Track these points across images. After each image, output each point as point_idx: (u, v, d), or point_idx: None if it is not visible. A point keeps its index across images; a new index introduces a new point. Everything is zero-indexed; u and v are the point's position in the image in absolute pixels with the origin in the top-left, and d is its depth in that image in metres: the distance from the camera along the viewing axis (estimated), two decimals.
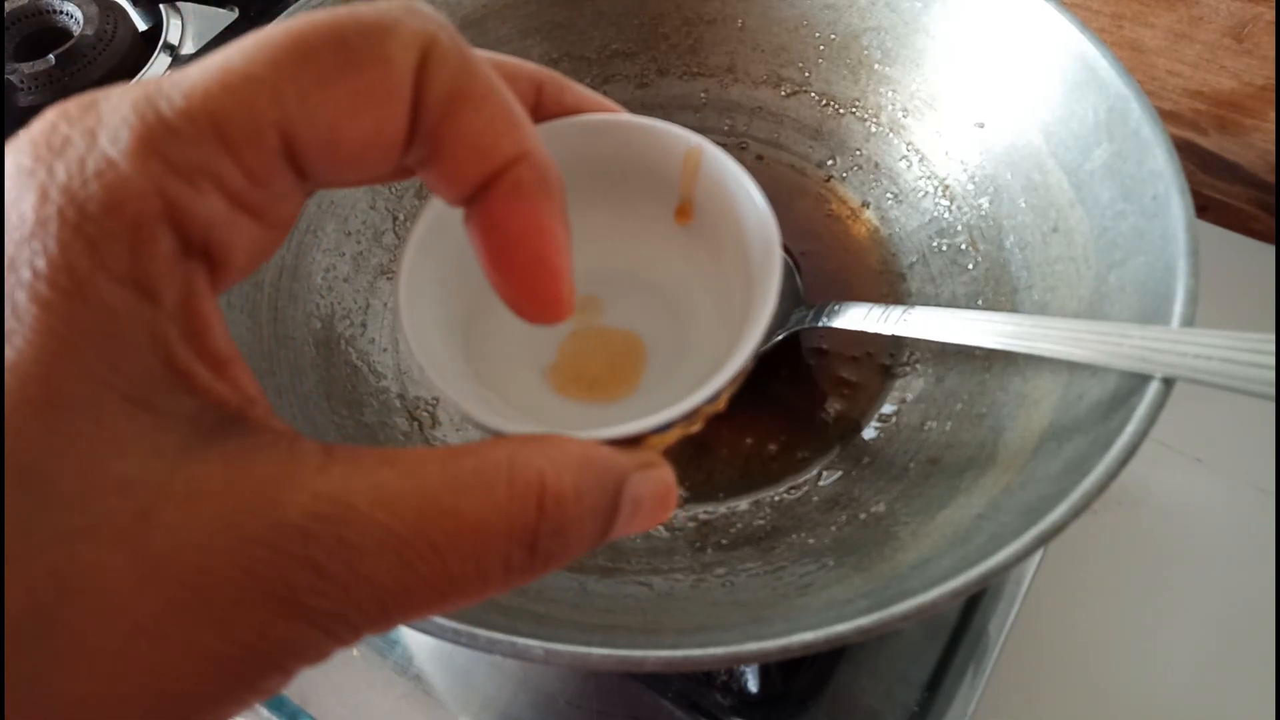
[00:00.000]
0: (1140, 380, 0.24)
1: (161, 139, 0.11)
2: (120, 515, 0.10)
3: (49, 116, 0.12)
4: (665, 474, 0.15)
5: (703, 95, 0.43)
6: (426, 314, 0.18)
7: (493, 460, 0.13)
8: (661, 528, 0.33)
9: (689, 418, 0.17)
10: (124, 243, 0.11)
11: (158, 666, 0.10)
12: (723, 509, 0.33)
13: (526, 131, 0.15)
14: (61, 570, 0.10)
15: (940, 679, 0.33)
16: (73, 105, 0.12)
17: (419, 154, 0.14)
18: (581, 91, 0.19)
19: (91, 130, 0.11)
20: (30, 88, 0.47)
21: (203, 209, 0.12)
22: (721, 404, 0.18)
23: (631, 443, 0.16)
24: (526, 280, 0.16)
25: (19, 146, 0.12)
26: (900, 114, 0.39)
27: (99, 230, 0.11)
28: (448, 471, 0.13)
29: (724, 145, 0.44)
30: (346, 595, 0.11)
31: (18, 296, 0.11)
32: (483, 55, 0.15)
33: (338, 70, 0.12)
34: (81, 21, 0.50)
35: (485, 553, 0.13)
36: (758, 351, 0.17)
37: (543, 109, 0.18)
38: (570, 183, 0.16)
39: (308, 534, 0.11)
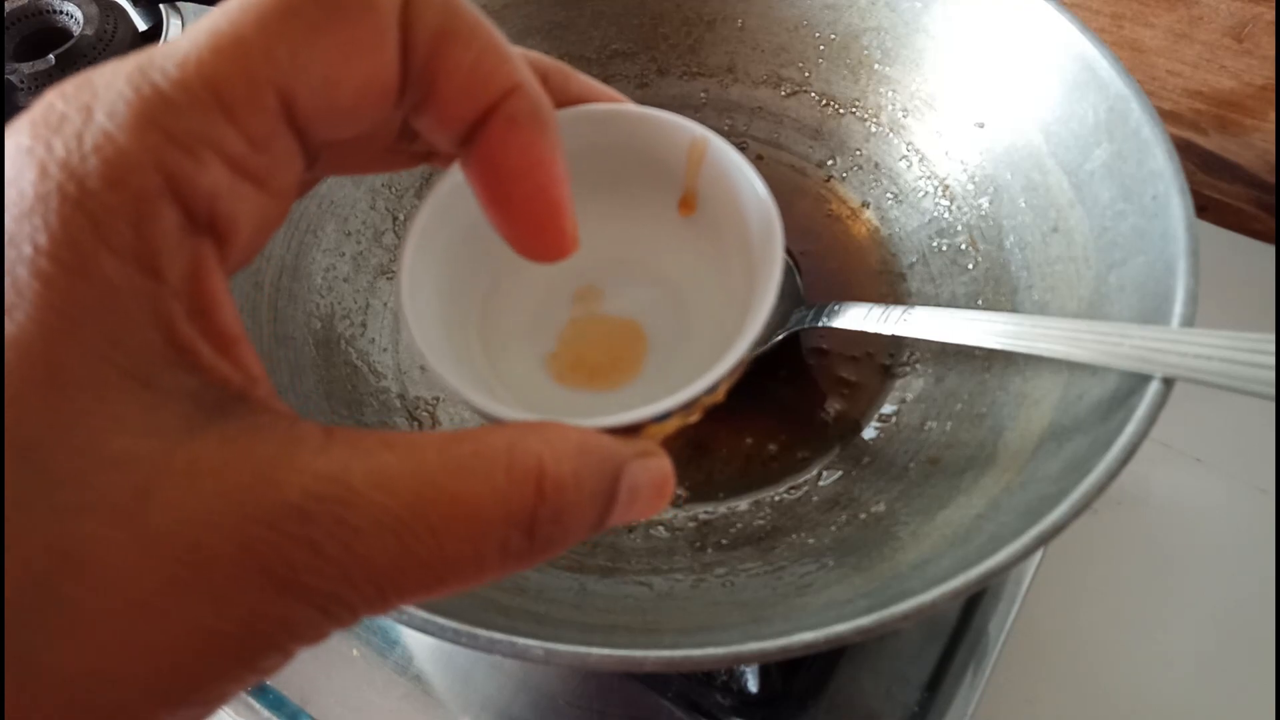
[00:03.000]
0: (1140, 380, 0.24)
1: (158, 110, 0.11)
2: (120, 492, 0.10)
3: (47, 97, 0.12)
4: (663, 463, 0.15)
5: (703, 95, 0.43)
6: (428, 302, 0.18)
7: (492, 445, 0.13)
8: (661, 528, 0.33)
9: (687, 408, 0.17)
10: (126, 218, 0.11)
11: (156, 643, 0.10)
12: (723, 509, 0.33)
13: (516, 65, 0.15)
14: (61, 545, 0.10)
15: (940, 679, 0.33)
16: (69, 84, 0.12)
17: (413, 98, 0.14)
18: (586, 81, 0.19)
19: (87, 105, 0.11)
20: (30, 88, 0.47)
21: (205, 179, 0.12)
22: (720, 395, 0.18)
23: (630, 431, 0.16)
24: (528, 216, 0.15)
25: (19, 127, 0.11)
26: (900, 114, 0.39)
27: (100, 205, 0.11)
28: (447, 455, 0.13)
29: None
30: (344, 575, 0.11)
31: (18, 272, 0.10)
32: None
33: (325, 22, 0.12)
34: (81, 21, 0.50)
35: (482, 536, 0.13)
36: (758, 346, 0.17)
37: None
38: (574, 172, 0.16)
39: (306, 514, 0.11)
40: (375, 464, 0.12)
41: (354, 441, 0.12)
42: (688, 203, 0.21)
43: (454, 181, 0.18)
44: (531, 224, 0.16)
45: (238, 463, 0.11)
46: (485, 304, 0.21)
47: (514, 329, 0.21)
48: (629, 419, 0.16)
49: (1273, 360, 0.21)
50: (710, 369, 0.17)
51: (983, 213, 0.36)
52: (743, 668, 0.33)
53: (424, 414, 0.35)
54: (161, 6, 0.53)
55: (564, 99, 0.18)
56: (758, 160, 0.42)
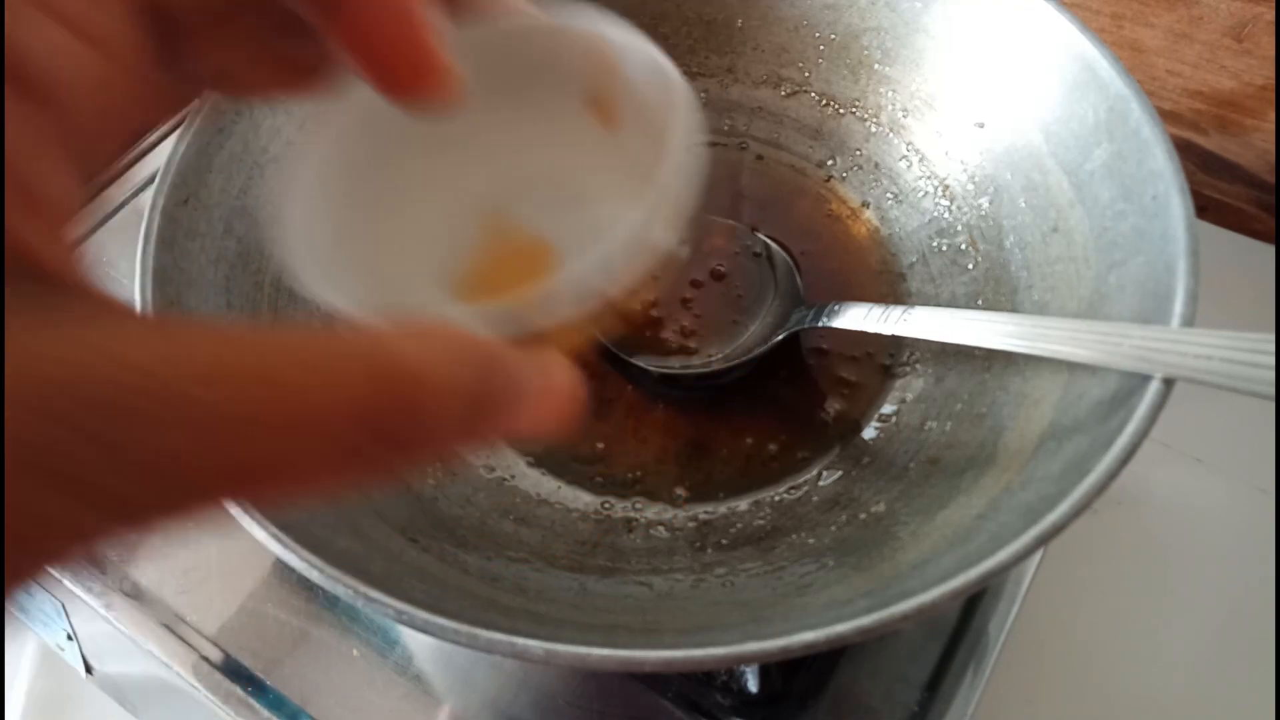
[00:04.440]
0: (1140, 380, 0.24)
1: None
2: None
3: None
4: (558, 363, 0.14)
5: (703, 95, 0.42)
6: (313, 216, 0.17)
7: (348, 340, 0.12)
8: (661, 528, 0.33)
9: (582, 298, 0.15)
10: None
11: None
12: (723, 509, 0.33)
13: None
14: None
15: (940, 679, 0.33)
16: None
17: None
18: None
19: None
20: None
21: (33, 37, 0.11)
22: (636, 302, 0.16)
23: (530, 342, 0.14)
24: (387, 41, 0.14)
25: None
26: (900, 114, 0.39)
27: None
28: (292, 350, 0.11)
29: (724, 145, 0.44)
30: (139, 472, 0.10)
31: None
32: None
33: None
34: None
35: (321, 437, 0.11)
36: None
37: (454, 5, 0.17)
38: (474, 88, 0.15)
39: (96, 401, 0.10)
40: (199, 355, 0.11)
41: (179, 332, 0.11)
42: (597, 108, 0.19)
43: (358, 100, 0.17)
44: (391, 50, 0.14)
45: (28, 346, 0.10)
46: (383, 222, 0.19)
47: (413, 251, 0.20)
48: (505, 307, 0.14)
49: (1273, 360, 0.21)
50: (605, 249, 0.15)
51: (983, 213, 0.36)
52: (743, 668, 0.33)
53: None
54: None
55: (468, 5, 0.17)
56: (758, 160, 0.42)
